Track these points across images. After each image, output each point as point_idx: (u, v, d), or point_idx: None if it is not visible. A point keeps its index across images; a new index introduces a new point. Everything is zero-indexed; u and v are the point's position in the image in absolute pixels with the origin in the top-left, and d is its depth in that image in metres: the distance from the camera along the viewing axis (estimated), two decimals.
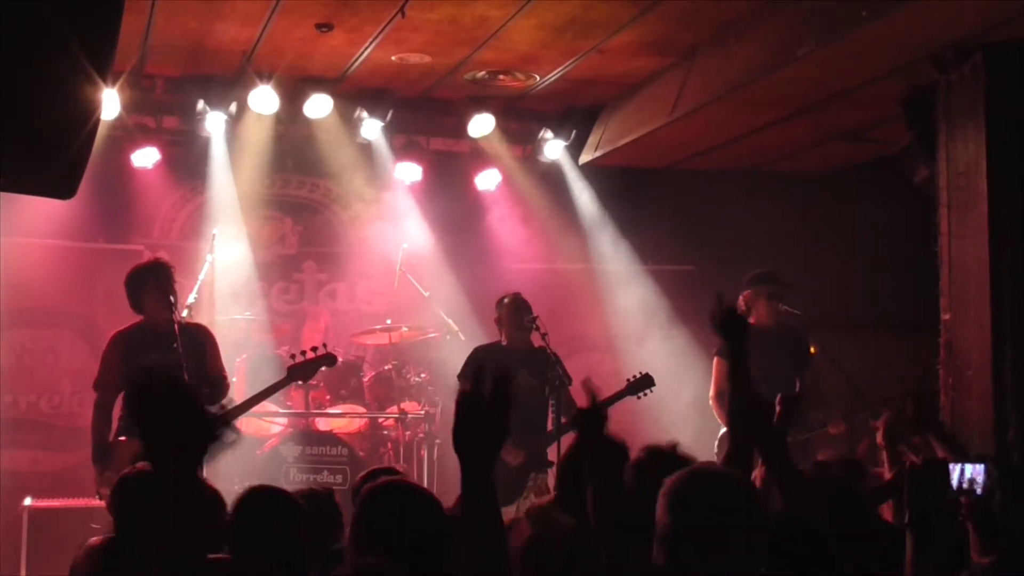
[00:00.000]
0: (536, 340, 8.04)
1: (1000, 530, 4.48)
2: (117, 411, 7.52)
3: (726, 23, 8.36)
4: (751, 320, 8.35)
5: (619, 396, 7.98)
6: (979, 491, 4.52)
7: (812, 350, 8.59)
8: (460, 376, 8.25)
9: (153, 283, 7.40)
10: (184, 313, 8.04)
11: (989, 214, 7.20)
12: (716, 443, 8.13)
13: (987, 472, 4.55)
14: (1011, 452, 6.86)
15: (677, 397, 9.76)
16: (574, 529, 3.86)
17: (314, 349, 7.84)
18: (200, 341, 7.57)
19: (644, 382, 8.09)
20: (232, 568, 4.12)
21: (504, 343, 8.26)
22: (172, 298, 7.31)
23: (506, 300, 8.29)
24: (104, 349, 7.59)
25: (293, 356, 7.84)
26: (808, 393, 8.42)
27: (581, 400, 4.32)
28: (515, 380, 7.92)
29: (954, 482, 4.51)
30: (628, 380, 8.11)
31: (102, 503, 6.94)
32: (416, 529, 3.75)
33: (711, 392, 8.28)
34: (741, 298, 8.41)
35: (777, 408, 4.56)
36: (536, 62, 9.37)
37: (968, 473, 4.55)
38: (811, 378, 8.50)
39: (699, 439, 8.27)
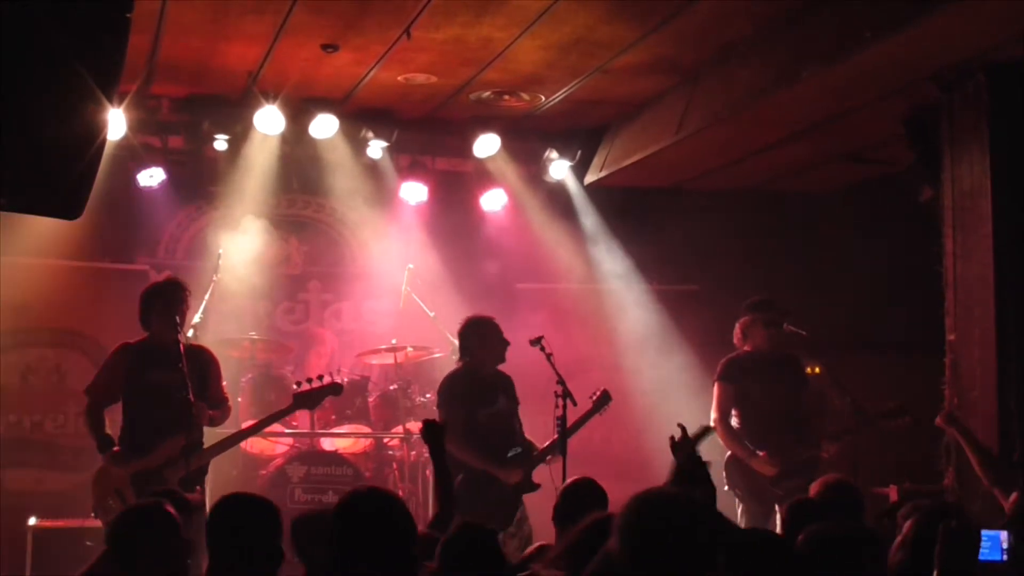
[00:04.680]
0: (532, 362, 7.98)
1: None
2: (115, 430, 7.46)
3: (730, 44, 8.38)
4: (747, 347, 8.36)
5: (586, 417, 8.03)
6: (1004, 557, 4.51)
7: (816, 370, 8.59)
8: (439, 406, 7.92)
9: (161, 303, 7.37)
10: (190, 333, 8.03)
11: (994, 234, 7.22)
12: (723, 466, 8.12)
13: (1009, 538, 4.54)
14: (1016, 472, 6.84)
15: (681, 418, 9.72)
16: None
17: (320, 378, 7.84)
18: (204, 364, 7.52)
19: (603, 400, 8.15)
20: None
21: (477, 368, 7.97)
22: (178, 319, 7.27)
23: (480, 323, 8.13)
24: (108, 357, 7.53)
25: (299, 384, 7.82)
26: (812, 412, 8.46)
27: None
28: (495, 405, 7.91)
29: None
30: (591, 398, 8.16)
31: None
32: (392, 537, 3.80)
33: (714, 415, 8.27)
34: (738, 325, 8.42)
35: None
36: (541, 82, 9.39)
37: (989, 539, 4.54)
38: (813, 398, 8.50)
39: None
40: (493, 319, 8.02)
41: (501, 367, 7.94)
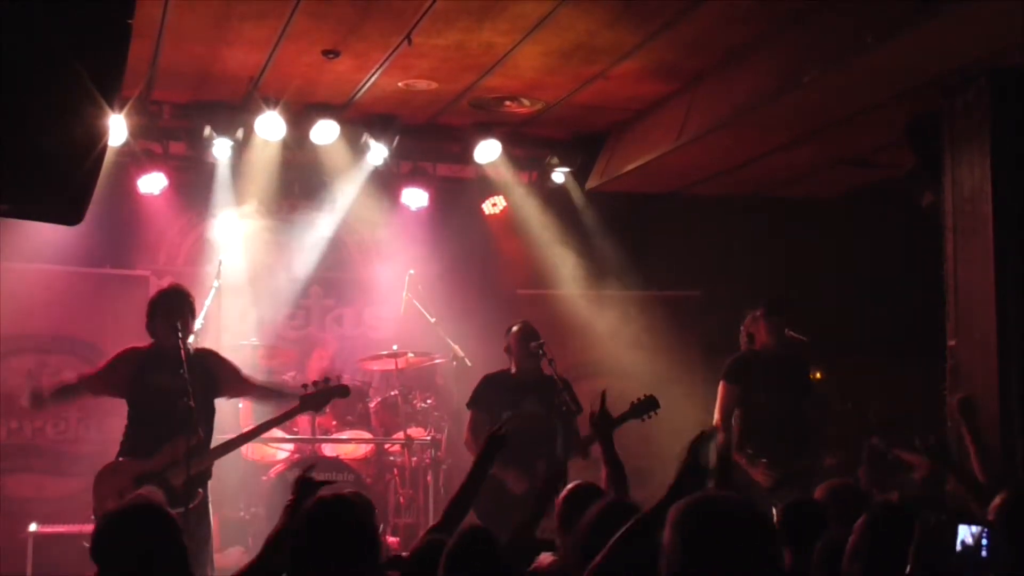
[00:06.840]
0: (544, 367, 8.00)
1: None
2: (120, 431, 7.45)
3: (731, 49, 8.38)
4: (755, 346, 8.31)
5: (623, 419, 7.93)
6: (984, 553, 4.49)
7: (818, 375, 8.56)
8: (469, 405, 8.20)
9: (163, 310, 7.37)
10: (191, 339, 8.01)
11: (995, 239, 7.21)
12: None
13: (989, 535, 4.53)
14: (1019, 476, 6.84)
15: (683, 421, 9.71)
16: None
17: (327, 380, 7.74)
18: (210, 369, 7.49)
19: (648, 404, 8.00)
20: None
21: (513, 371, 8.22)
22: (179, 325, 7.26)
23: (514, 328, 8.23)
24: (117, 355, 7.46)
25: (305, 386, 7.78)
26: (814, 418, 8.43)
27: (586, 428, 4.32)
28: (521, 408, 7.95)
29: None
30: (632, 403, 8.04)
31: None
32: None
33: (716, 416, 8.22)
34: (742, 328, 8.35)
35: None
36: (542, 88, 9.40)
37: (969, 534, 4.53)
38: (816, 403, 8.46)
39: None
40: (523, 324, 8.21)
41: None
